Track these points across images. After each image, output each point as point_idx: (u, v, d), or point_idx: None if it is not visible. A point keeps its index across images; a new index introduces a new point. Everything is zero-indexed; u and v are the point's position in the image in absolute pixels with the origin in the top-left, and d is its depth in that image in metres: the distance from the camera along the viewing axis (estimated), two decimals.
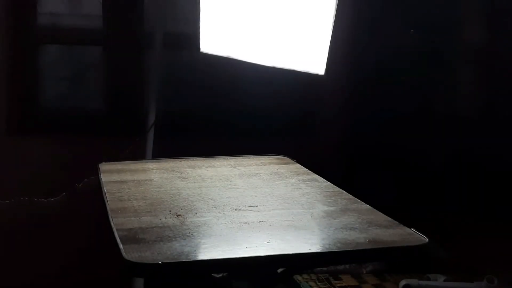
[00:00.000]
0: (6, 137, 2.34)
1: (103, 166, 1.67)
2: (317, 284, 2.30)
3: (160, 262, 1.05)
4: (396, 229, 1.27)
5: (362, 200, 1.46)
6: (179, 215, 1.31)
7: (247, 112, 2.48)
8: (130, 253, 1.08)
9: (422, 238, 1.22)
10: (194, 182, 1.58)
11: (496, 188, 2.49)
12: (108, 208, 1.32)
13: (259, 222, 1.29)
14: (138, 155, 2.27)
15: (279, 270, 1.28)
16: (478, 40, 2.58)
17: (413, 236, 1.24)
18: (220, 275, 1.27)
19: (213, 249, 1.14)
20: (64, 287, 2.39)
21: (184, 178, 1.62)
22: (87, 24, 2.53)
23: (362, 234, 1.23)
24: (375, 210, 1.39)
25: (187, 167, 1.73)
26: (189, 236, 1.19)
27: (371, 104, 2.59)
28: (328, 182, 1.62)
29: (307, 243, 1.21)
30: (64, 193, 2.37)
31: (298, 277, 2.31)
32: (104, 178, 1.56)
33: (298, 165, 1.82)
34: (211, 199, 1.44)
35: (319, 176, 1.68)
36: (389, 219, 1.33)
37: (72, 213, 2.36)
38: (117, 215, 1.28)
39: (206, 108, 2.48)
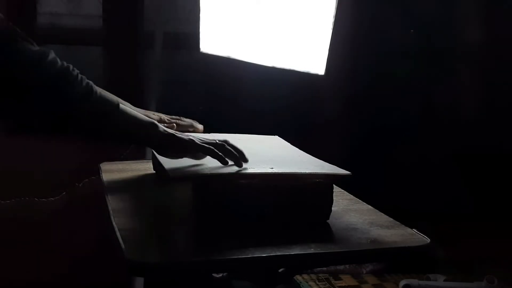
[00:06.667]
0: (6, 137, 2.34)
1: (104, 166, 1.66)
2: (317, 284, 2.30)
3: (163, 262, 1.05)
4: (397, 230, 1.27)
5: (363, 200, 1.46)
6: None
7: (247, 112, 2.48)
8: (132, 253, 1.08)
9: (424, 238, 1.22)
10: None
11: (496, 188, 2.49)
12: (109, 207, 1.32)
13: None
14: (138, 155, 2.26)
15: (280, 270, 1.28)
16: (478, 40, 2.59)
17: (415, 237, 1.23)
18: (220, 275, 1.27)
19: (214, 248, 1.14)
20: (64, 286, 2.39)
21: None
22: (87, 24, 2.53)
23: (364, 235, 1.23)
24: (377, 210, 1.39)
25: None
26: (191, 235, 1.19)
27: (371, 104, 2.59)
28: None
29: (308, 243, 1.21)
30: (64, 193, 2.37)
31: (298, 277, 2.31)
32: (105, 177, 1.56)
33: None
34: None
35: None
36: (391, 219, 1.33)
37: (72, 213, 2.36)
38: (119, 214, 1.27)
39: (206, 108, 2.48)
